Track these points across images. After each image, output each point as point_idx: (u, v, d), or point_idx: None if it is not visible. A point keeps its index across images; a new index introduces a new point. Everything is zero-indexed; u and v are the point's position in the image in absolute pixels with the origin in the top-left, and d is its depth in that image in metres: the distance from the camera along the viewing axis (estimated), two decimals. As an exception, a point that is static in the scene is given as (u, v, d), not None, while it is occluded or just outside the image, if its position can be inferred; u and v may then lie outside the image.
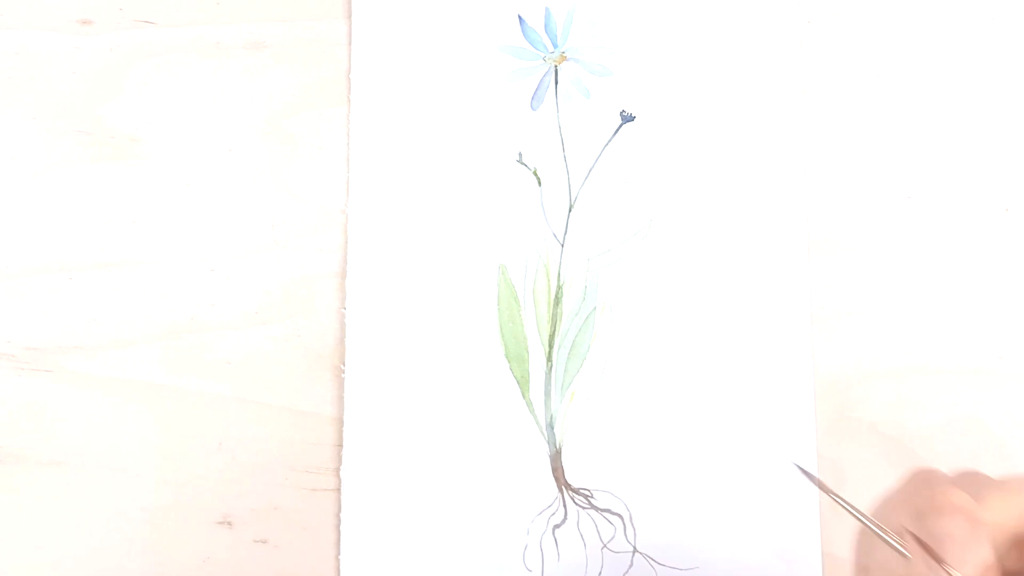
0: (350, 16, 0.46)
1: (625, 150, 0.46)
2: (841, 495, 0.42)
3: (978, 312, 0.45)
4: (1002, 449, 0.44)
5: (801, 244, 0.45)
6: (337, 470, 0.44)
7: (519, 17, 0.46)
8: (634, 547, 0.43)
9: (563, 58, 0.46)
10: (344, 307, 0.45)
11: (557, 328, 0.45)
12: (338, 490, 0.44)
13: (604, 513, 0.44)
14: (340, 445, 0.44)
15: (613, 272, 0.45)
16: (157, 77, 0.46)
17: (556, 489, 0.44)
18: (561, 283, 0.45)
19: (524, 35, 0.46)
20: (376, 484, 0.43)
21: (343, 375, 0.44)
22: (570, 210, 0.45)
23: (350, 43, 0.46)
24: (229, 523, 0.44)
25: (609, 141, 0.46)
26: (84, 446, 0.44)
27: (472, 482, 0.44)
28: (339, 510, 0.44)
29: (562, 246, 0.45)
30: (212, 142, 0.46)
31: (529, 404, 0.44)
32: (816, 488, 0.43)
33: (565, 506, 0.44)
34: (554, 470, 0.44)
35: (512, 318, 0.45)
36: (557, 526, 0.44)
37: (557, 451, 0.44)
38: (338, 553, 0.43)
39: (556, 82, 0.46)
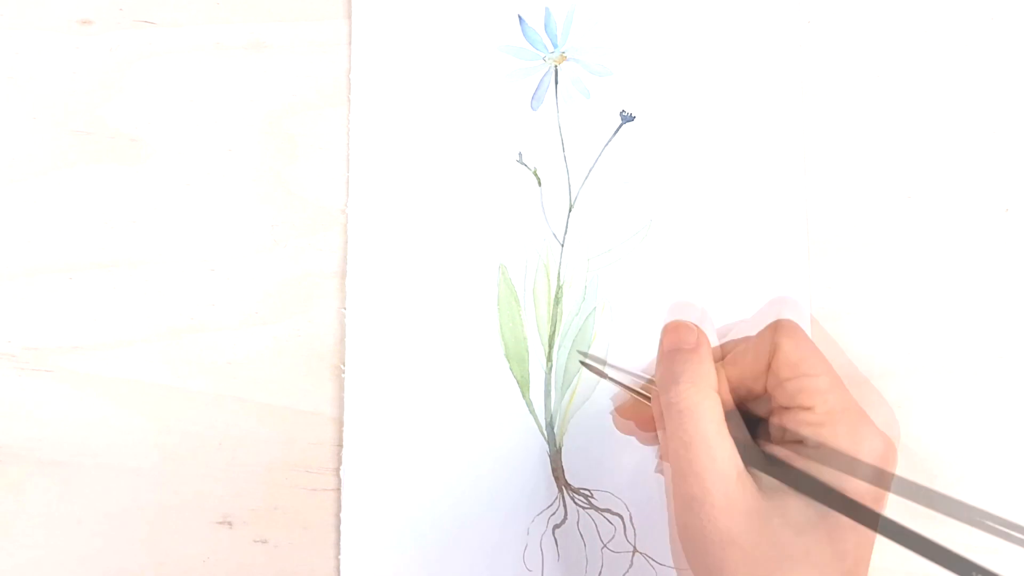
0: (350, 16, 0.46)
1: (625, 150, 0.46)
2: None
3: (978, 312, 0.45)
4: (1002, 449, 0.44)
5: (801, 244, 0.45)
6: (337, 470, 0.44)
7: (519, 17, 0.46)
8: (634, 547, 0.43)
9: (563, 58, 0.46)
10: (344, 307, 0.45)
11: (557, 328, 0.45)
12: (338, 490, 0.44)
13: (604, 513, 0.44)
14: (340, 445, 0.44)
15: (613, 272, 0.45)
16: (157, 77, 0.46)
17: (556, 489, 0.44)
18: (561, 283, 0.45)
19: (524, 35, 0.46)
20: (376, 484, 0.43)
21: (343, 375, 0.44)
22: (570, 210, 0.45)
23: (350, 43, 0.46)
24: (229, 523, 0.44)
25: (609, 141, 0.46)
26: (84, 446, 0.44)
27: (472, 482, 0.44)
28: (339, 510, 0.44)
29: (562, 246, 0.45)
30: (212, 142, 0.46)
31: (529, 404, 0.44)
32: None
33: (565, 506, 0.44)
34: (554, 470, 0.44)
35: (512, 318, 0.45)
36: (557, 526, 0.44)
37: (557, 451, 0.44)
38: (338, 553, 0.43)
39: (556, 82, 0.46)
